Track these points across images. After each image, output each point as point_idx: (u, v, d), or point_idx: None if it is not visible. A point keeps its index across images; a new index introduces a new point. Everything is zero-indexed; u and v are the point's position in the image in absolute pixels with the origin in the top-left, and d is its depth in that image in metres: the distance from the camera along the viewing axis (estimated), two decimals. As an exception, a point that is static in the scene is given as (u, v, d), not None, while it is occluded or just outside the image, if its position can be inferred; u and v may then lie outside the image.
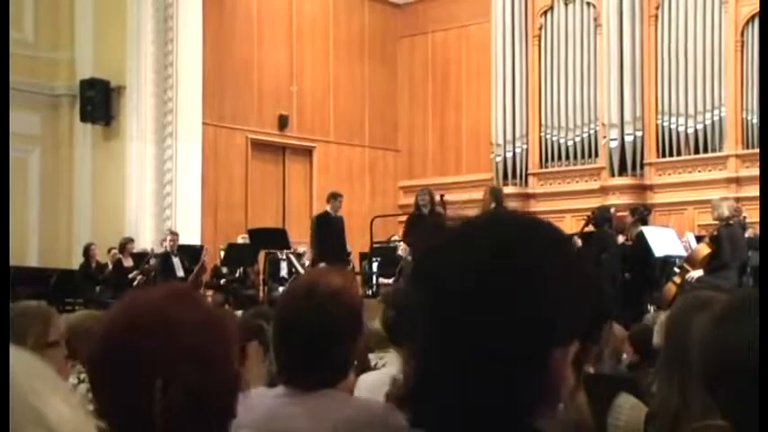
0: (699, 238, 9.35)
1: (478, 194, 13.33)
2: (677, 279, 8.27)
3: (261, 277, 11.54)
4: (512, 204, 12.75)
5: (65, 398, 0.48)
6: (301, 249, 12.57)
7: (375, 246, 11.25)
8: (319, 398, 1.73)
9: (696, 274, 8.00)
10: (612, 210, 9.82)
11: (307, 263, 11.91)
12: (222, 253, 11.72)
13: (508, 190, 14.20)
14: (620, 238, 9.06)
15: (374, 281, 11.40)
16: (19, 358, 0.48)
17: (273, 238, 11.27)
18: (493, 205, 9.39)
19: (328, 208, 10.39)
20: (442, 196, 9.87)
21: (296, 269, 11.22)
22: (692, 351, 1.06)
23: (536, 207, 13.87)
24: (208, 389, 1.03)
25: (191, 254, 11.06)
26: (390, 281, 10.98)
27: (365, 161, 15.63)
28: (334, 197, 10.60)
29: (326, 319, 1.72)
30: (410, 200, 14.28)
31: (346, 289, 1.78)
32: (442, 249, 0.82)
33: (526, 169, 14.28)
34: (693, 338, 1.30)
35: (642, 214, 9.26)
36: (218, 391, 1.04)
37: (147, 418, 1.00)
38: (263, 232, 11.30)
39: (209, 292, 11.16)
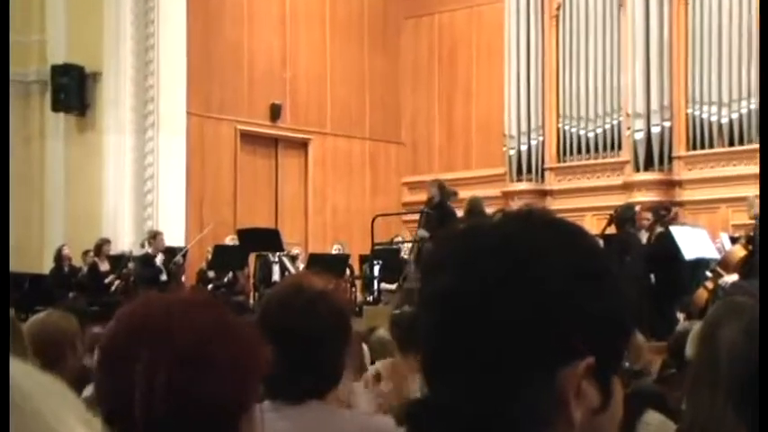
0: (733, 240, 9.29)
1: (490, 191, 13.39)
2: (709, 284, 8.24)
3: (251, 282, 11.59)
4: (521, 202, 12.76)
5: (80, 416, 0.48)
6: (295, 251, 12.59)
7: (376, 247, 11.26)
8: (309, 412, 1.73)
9: (731, 278, 7.96)
10: (637, 208, 9.80)
11: (301, 266, 11.92)
12: (209, 255, 11.74)
13: (522, 186, 14.26)
14: (644, 237, 9.01)
15: (375, 286, 11.41)
16: (30, 375, 0.49)
17: (265, 240, 11.31)
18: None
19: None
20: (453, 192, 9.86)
21: (289, 273, 11.17)
22: (721, 364, 1.04)
23: (553, 205, 13.75)
24: (199, 397, 1.04)
25: (175, 256, 11.07)
26: (393, 286, 11.00)
27: (365, 155, 15.62)
28: (449, 195, 10.14)
29: (311, 324, 1.73)
30: (415, 197, 14.42)
31: (333, 292, 1.82)
32: (443, 250, 0.85)
33: (542, 164, 14.26)
34: (722, 350, 1.30)
35: (659, 215, 9.16)
36: (211, 400, 1.05)
37: (130, 421, 1.03)
38: (253, 233, 11.34)
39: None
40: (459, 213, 9.68)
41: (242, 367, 1.08)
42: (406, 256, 11.32)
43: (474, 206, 9.26)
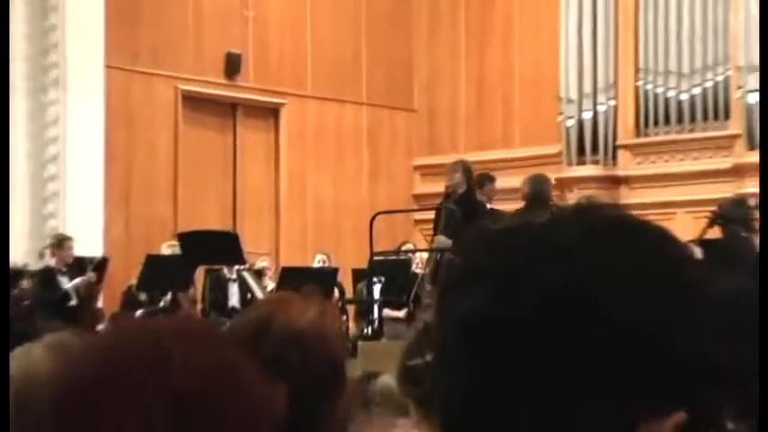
0: None
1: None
2: None
3: (199, 308, 11.65)
4: (583, 194, 12.75)
5: None
6: (261, 263, 12.58)
7: (377, 259, 11.21)
8: None
9: None
10: (751, 202, 9.76)
11: (270, 285, 11.94)
12: (139, 270, 11.64)
13: (586, 171, 14.24)
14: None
15: (375, 314, 11.39)
16: None
17: (218, 248, 11.34)
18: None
19: (477, 195, 10.29)
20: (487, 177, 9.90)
21: (253, 295, 11.23)
22: None
23: (630, 197, 13.79)
24: None
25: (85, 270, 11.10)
26: (401, 313, 10.99)
27: (362, 127, 15.59)
28: (482, 181, 10.39)
29: (287, 377, 1.64)
30: (431, 187, 14.30)
31: (320, 328, 1.84)
32: (473, 260, 0.88)
33: (614, 139, 14.28)
34: None
35: None
36: None
37: None
38: (201, 238, 11.38)
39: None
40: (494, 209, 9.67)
41: (251, 421, 1.17)
42: (418, 271, 11.34)
43: (537, 190, 9.12)
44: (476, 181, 10.18)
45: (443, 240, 9.64)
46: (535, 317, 0.83)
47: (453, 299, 0.87)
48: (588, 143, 14.24)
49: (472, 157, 13.95)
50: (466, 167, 10.11)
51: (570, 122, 14.34)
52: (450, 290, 0.88)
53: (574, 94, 14.31)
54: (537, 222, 0.89)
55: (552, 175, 14.13)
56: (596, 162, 14.22)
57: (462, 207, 9.65)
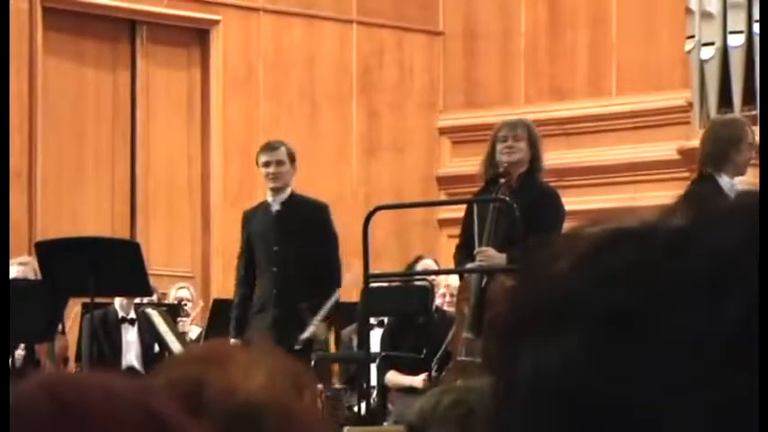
0: None
1: (654, 148, 13.13)
2: None
3: (72, 367, 11.95)
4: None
5: None
6: (178, 292, 12.97)
7: (376, 285, 11.40)
8: None
9: None
10: None
11: (194, 330, 12.41)
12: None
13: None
14: None
15: (373, 379, 11.50)
16: None
17: (105, 267, 11.31)
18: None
19: (270, 198, 10.94)
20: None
21: (163, 346, 11.57)
22: None
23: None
24: None
25: None
26: (418, 380, 11.21)
27: (350, 60, 15.90)
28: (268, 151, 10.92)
29: None
30: (469, 164, 14.20)
31: (278, 401, 1.95)
32: (559, 286, 0.91)
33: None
34: None
35: None
36: None
37: None
38: (75, 251, 11.39)
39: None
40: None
41: None
42: (447, 309, 11.53)
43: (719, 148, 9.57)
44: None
45: (493, 255, 9.79)
46: (667, 382, 0.85)
47: (523, 353, 0.88)
48: (737, 88, 14.40)
49: (539, 111, 14.37)
50: (532, 132, 10.30)
51: (707, 53, 14.49)
52: (515, 338, 0.90)
53: (713, 6, 14.43)
54: (665, 226, 0.90)
55: (675, 143, 14.32)
56: (753, 120, 14.00)
57: (524, 199, 9.80)
